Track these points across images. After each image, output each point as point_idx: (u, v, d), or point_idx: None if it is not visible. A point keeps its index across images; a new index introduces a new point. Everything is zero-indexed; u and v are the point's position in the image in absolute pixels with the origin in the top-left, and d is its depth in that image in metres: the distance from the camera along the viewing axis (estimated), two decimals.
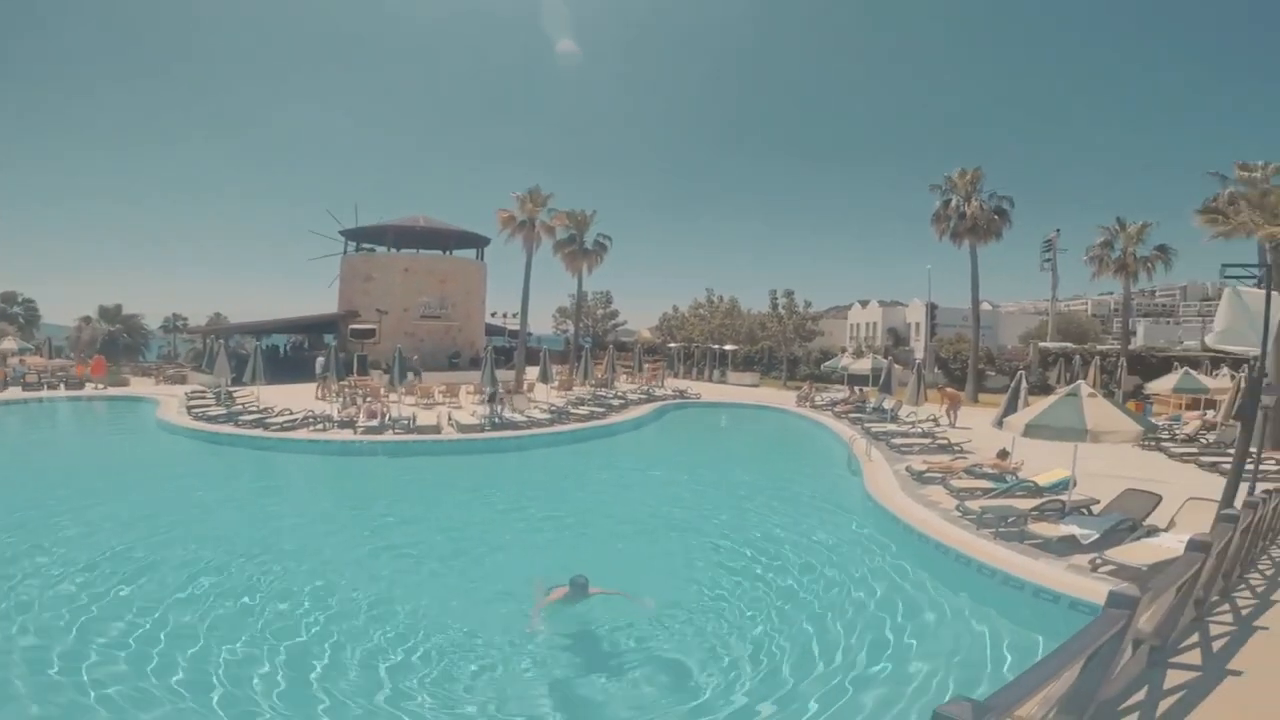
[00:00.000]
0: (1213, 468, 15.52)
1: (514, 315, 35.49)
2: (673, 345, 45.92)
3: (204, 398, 24.12)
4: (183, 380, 31.68)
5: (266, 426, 19.58)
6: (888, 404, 23.75)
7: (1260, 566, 7.97)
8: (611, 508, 14.20)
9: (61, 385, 28.25)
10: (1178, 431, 21.04)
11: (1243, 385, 14.84)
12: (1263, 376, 9.74)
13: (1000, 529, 10.48)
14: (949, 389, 26.61)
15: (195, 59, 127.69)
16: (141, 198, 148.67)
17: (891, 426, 21.21)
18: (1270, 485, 10.82)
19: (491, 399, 21.72)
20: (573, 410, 24.06)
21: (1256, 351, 9.74)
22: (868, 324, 61.97)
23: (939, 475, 14.30)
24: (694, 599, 8.94)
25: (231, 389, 24.30)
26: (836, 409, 26.39)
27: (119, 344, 42.71)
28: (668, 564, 10.64)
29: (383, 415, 20.21)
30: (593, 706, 6.58)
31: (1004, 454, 14.52)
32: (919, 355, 45.91)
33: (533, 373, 28.40)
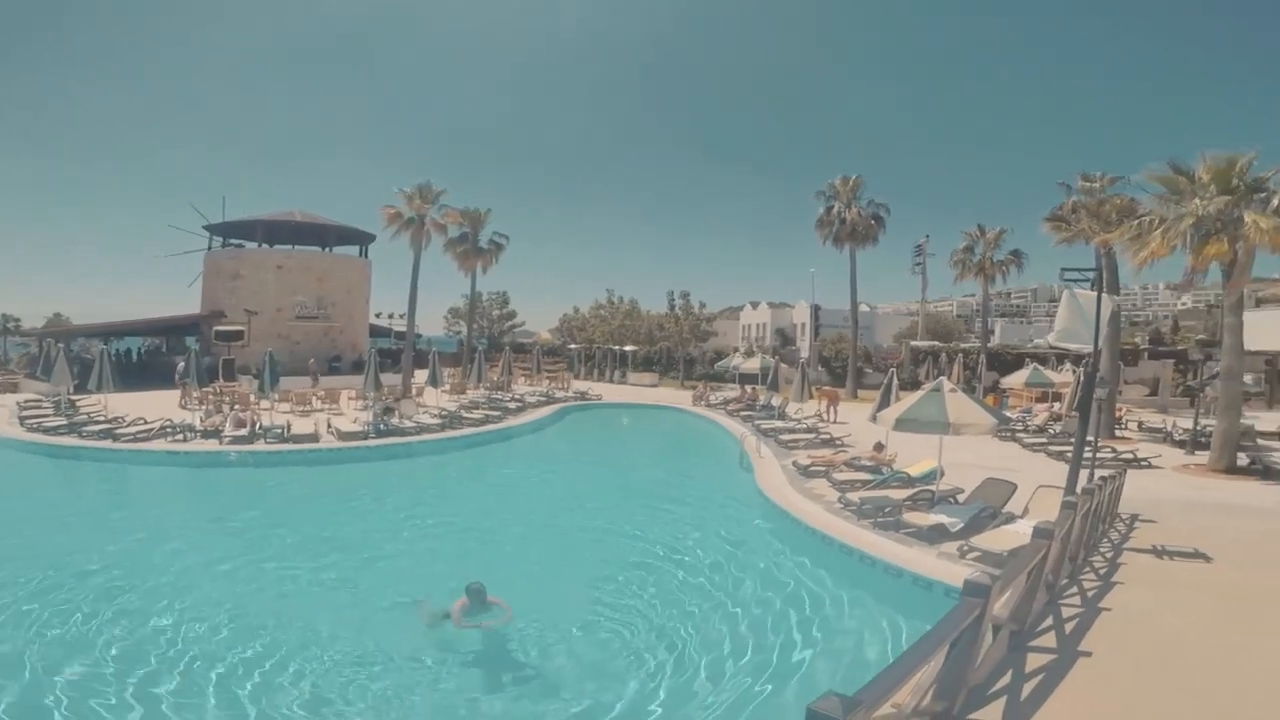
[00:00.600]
0: (1060, 456, 17.17)
1: (402, 316, 33.75)
2: (573, 346, 45.53)
3: (40, 407, 21.38)
4: (14, 389, 28.06)
5: (116, 438, 17.49)
6: (775, 401, 24.66)
7: (1102, 549, 8.84)
8: (509, 512, 13.81)
9: None
10: (1029, 423, 23.23)
11: (1081, 380, 16.53)
12: (1096, 372, 10.74)
13: (878, 519, 11.03)
14: (826, 387, 28.00)
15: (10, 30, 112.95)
16: None
17: (779, 423, 22.04)
18: (1107, 472, 12.12)
19: (387, 411, 20.61)
20: (466, 415, 23.20)
21: (1090, 349, 10.72)
22: (758, 325, 64.23)
23: (823, 469, 14.95)
24: (596, 598, 8.82)
25: (74, 397, 21.69)
26: (729, 407, 27.13)
27: None
28: (569, 565, 10.47)
29: (252, 424, 18.62)
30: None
31: (879, 447, 15.39)
32: (804, 354, 48.20)
33: (421, 376, 27.15)
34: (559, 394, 31.49)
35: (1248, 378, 29.32)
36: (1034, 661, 4.51)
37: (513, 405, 26.35)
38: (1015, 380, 26.34)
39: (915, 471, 13.47)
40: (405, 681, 6.72)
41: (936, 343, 44.70)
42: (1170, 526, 10.36)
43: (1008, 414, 24.26)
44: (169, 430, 18.10)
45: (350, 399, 25.58)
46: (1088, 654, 4.65)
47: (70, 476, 15.96)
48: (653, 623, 8.21)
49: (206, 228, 38.92)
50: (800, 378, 22.08)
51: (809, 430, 20.92)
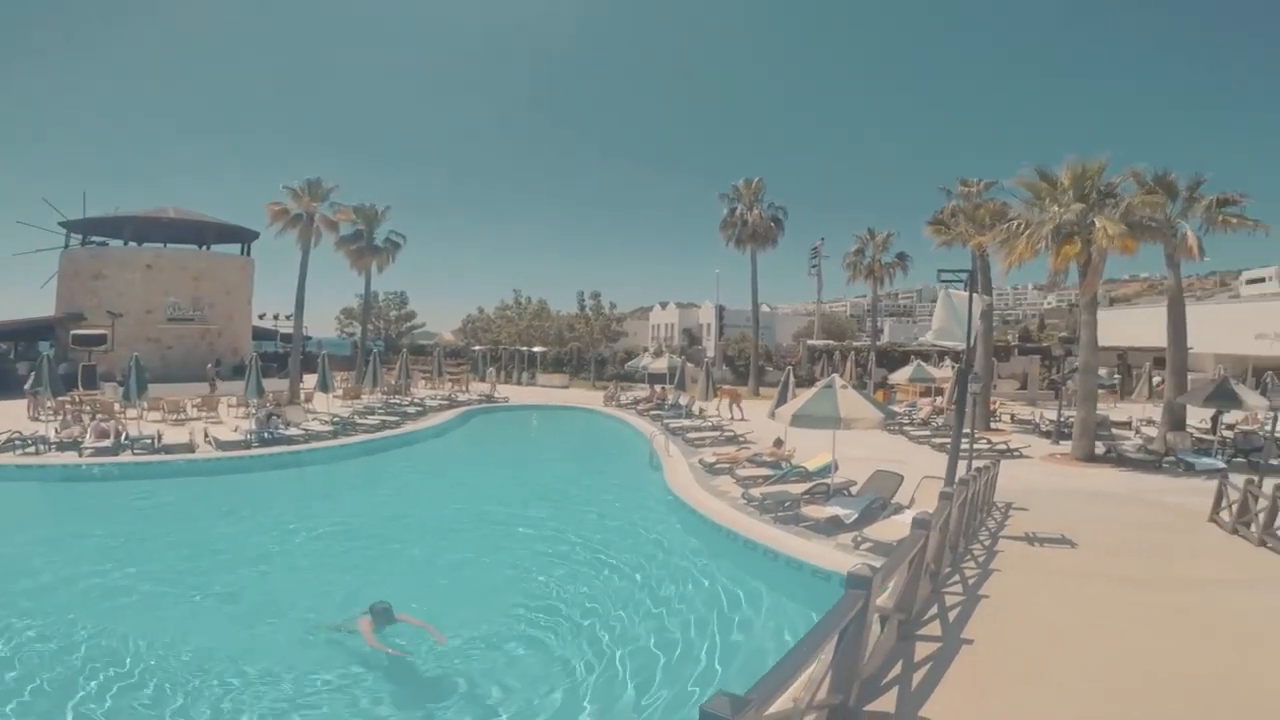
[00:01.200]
0: (943, 448, 18.25)
1: (289, 317, 31.57)
2: (478, 348, 44.26)
3: None
4: None
5: None
6: (683, 400, 25.02)
7: (981, 537, 9.41)
8: (411, 518, 13.27)
9: None
10: (915, 416, 24.74)
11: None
12: (970, 368, 11.46)
13: (779, 513, 11.33)
14: (727, 386, 28.70)
15: None
16: None
17: (686, 422, 22.35)
18: (982, 462, 13.00)
19: (271, 418, 19.19)
20: (360, 420, 21.99)
21: (964, 346, 11.43)
22: (667, 325, 65.09)
23: (727, 466, 15.26)
24: (507, 602, 8.61)
25: None
26: (639, 407, 27.29)
27: None
28: (478, 570, 10.17)
29: (117, 434, 16.83)
30: None
31: (779, 443, 15.86)
32: (710, 354, 49.27)
33: (311, 381, 25.50)
34: (462, 397, 30.54)
35: (1102, 371, 32.71)
36: (922, 650, 4.67)
37: (412, 410, 25.24)
38: (901, 376, 27.94)
39: (812, 466, 13.95)
40: (302, 700, 6.24)
41: (831, 341, 46.90)
42: (1040, 514, 11.23)
43: (895, 408, 25.79)
44: (17, 443, 16.11)
45: (231, 406, 23.74)
46: (970, 641, 4.87)
47: None
48: (565, 624, 8.09)
49: (63, 224, 35.12)
50: (705, 377, 22.49)
51: (714, 428, 21.33)
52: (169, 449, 16.70)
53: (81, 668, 6.54)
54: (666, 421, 22.70)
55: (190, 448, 17.03)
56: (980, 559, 8.04)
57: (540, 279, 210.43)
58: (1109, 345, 34.00)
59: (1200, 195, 18.83)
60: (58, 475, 14.96)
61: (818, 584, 8.71)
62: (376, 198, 34.42)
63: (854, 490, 12.48)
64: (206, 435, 18.29)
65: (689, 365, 27.50)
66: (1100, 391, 23.65)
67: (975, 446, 14.94)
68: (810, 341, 45.73)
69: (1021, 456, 18.16)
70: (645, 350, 44.30)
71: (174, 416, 21.92)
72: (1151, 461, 17.03)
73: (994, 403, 25.61)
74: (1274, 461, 16.08)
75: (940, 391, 26.58)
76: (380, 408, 24.88)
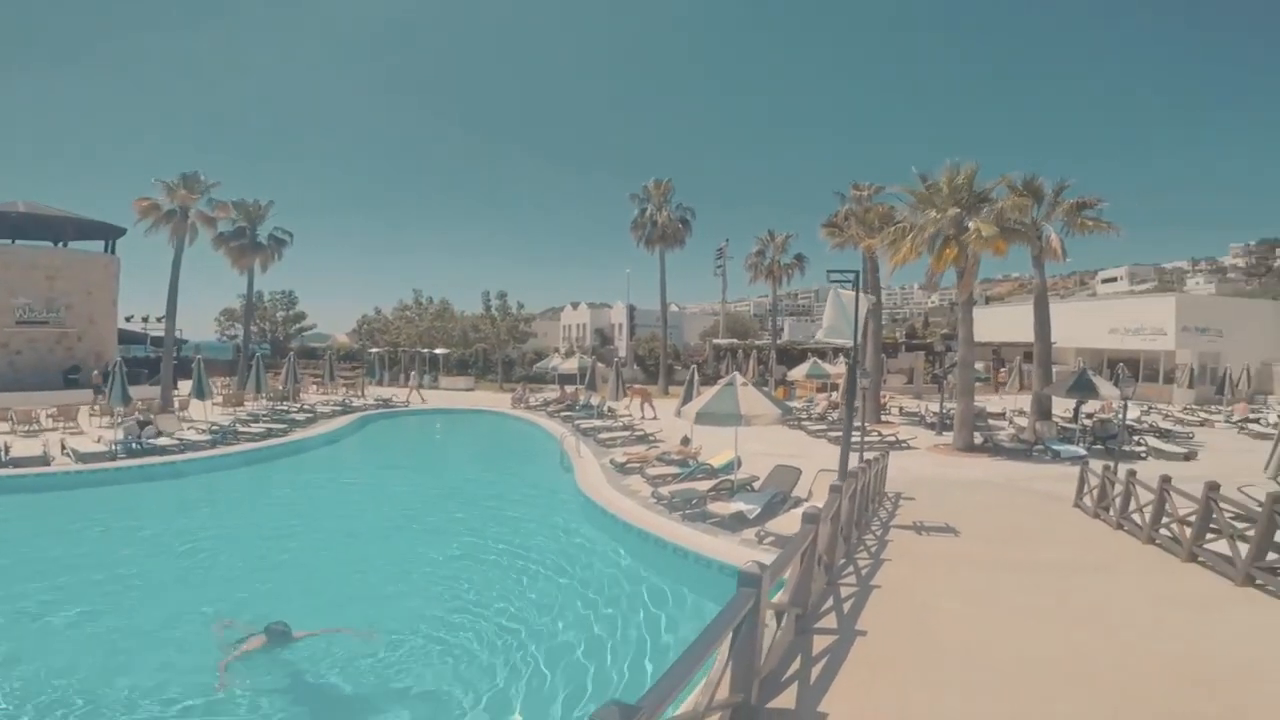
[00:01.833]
0: (837, 441, 19.14)
1: (161, 319, 28.87)
2: (375, 350, 42.18)
3: None
4: None
5: None
6: (594, 401, 24.92)
7: (873, 528, 9.87)
8: (299, 530, 12.51)
9: None
10: (812, 411, 25.82)
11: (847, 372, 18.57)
12: (857, 364, 12.01)
13: (687, 511, 11.49)
14: (637, 385, 28.90)
15: None
16: None
17: (598, 422, 22.28)
18: (873, 454, 13.70)
19: (139, 428, 17.44)
20: (243, 429, 20.44)
21: (852, 343, 11.96)
22: (578, 325, 64.63)
23: (638, 465, 15.31)
24: (414, 610, 8.30)
25: None
26: (550, 408, 26.96)
27: None
28: (380, 580, 9.72)
29: None
30: None
31: (686, 441, 16.09)
32: (622, 354, 49.40)
33: (186, 387, 23.45)
34: (357, 402, 29.04)
35: (979, 365, 35.44)
36: (820, 643, 4.78)
37: (300, 417, 23.70)
38: (799, 373, 29.12)
39: (717, 463, 14.23)
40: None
41: (735, 340, 48.18)
42: (926, 503, 11.95)
43: (794, 404, 26.84)
44: None
45: (92, 415, 21.47)
46: (864, 633, 5.04)
47: None
48: (469, 630, 7.87)
49: None
50: (615, 377, 22.48)
51: (625, 428, 21.39)
52: (18, 462, 15.04)
53: None
54: (577, 422, 22.54)
55: (45, 460, 15.33)
56: (873, 549, 8.41)
57: (444, 279, 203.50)
58: (984, 341, 36.92)
59: (1063, 199, 20.81)
60: None
61: (725, 580, 8.79)
62: (268, 196, 32.12)
63: (756, 485, 12.82)
64: (64, 447, 16.48)
65: (600, 365, 27.43)
66: (977, 385, 25.54)
67: (866, 439, 15.75)
68: (716, 340, 46.79)
69: (909, 448, 19.32)
70: (556, 351, 43.71)
71: (25, 427, 19.62)
72: (1023, 450, 18.58)
73: (884, 397, 27.14)
74: (1127, 448, 17.94)
75: (835, 387, 27.83)
76: (265, 415, 23.22)
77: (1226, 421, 25.62)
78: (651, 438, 19.91)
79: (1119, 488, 10.34)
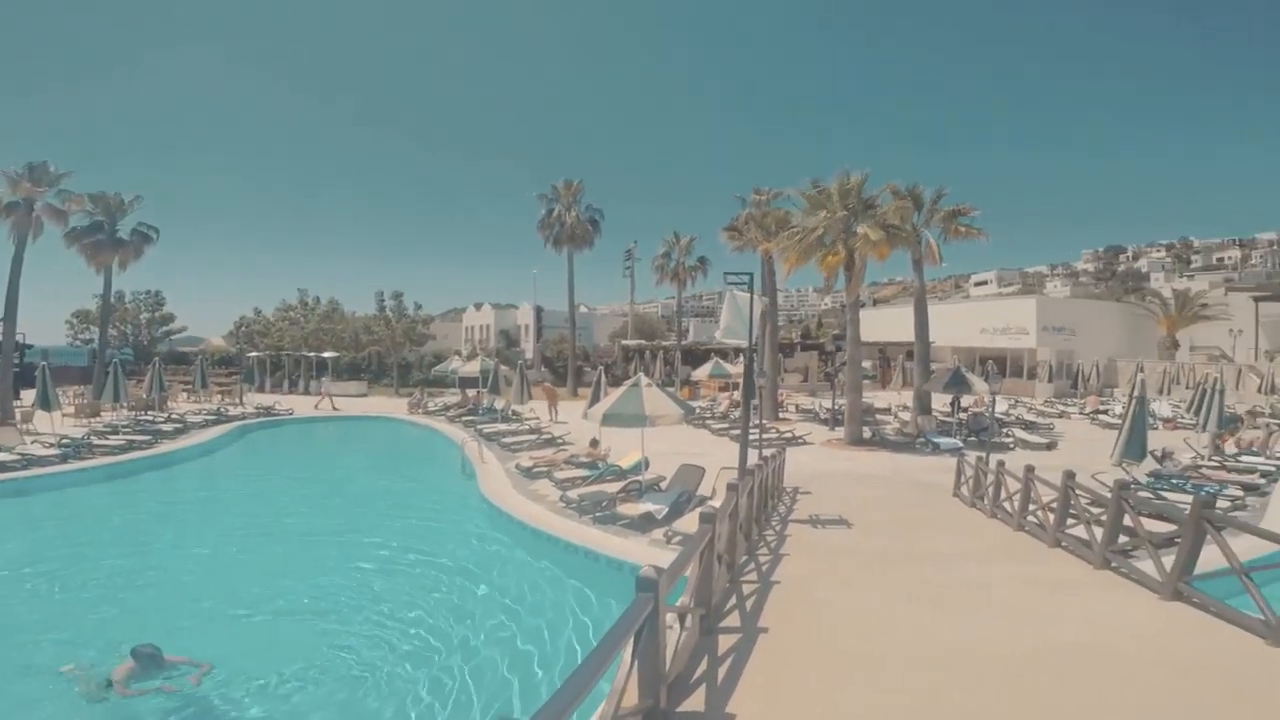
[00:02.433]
0: (739, 439, 19.75)
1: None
2: (254, 354, 39.11)
3: None
4: None
5: None
6: (498, 404, 24.31)
7: (773, 523, 10.13)
8: (166, 547, 11.50)
9: None
10: (715, 410, 26.44)
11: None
12: (753, 364, 12.32)
13: (596, 514, 11.39)
14: (545, 385, 28.52)
15: None
16: None
17: (502, 426, 21.75)
18: (771, 451, 14.14)
19: None
20: (100, 441, 18.36)
21: (747, 344, 12.25)
22: (482, 326, 62.96)
23: (545, 469, 15.05)
24: (307, 631, 7.77)
25: None
26: (450, 413, 26.03)
27: None
28: (262, 600, 8.98)
29: None
30: None
31: (594, 443, 16.00)
32: (529, 355, 48.57)
33: (30, 397, 20.78)
34: (234, 410, 26.88)
35: (866, 364, 37.60)
36: (725, 643, 4.80)
37: (168, 427, 21.61)
38: (702, 373, 29.79)
39: (625, 464, 14.24)
40: None
41: (643, 341, 48.65)
42: (821, 497, 12.45)
43: (698, 404, 27.39)
44: None
45: None
46: (766, 630, 5.11)
47: None
48: (374, 651, 7.41)
49: None
50: (520, 379, 22.00)
51: (532, 431, 20.99)
52: None
53: None
54: (480, 427, 21.90)
55: None
56: (773, 544, 8.63)
57: (336, 280, 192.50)
58: (872, 341, 39.26)
59: (940, 207, 22.54)
60: None
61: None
62: (138, 191, 28.74)
63: (664, 486, 12.91)
64: None
65: (504, 368, 26.79)
66: (865, 382, 27.09)
67: (764, 436, 16.27)
68: (624, 341, 47.02)
69: (805, 443, 20.15)
70: (457, 354, 42.21)
71: None
72: (907, 443, 19.84)
73: (781, 395, 28.23)
74: (997, 440, 19.54)
75: (737, 386, 28.61)
76: (126, 426, 20.98)
77: (1080, 413, 28.51)
78: (560, 441, 19.65)
79: (991, 478, 11.12)
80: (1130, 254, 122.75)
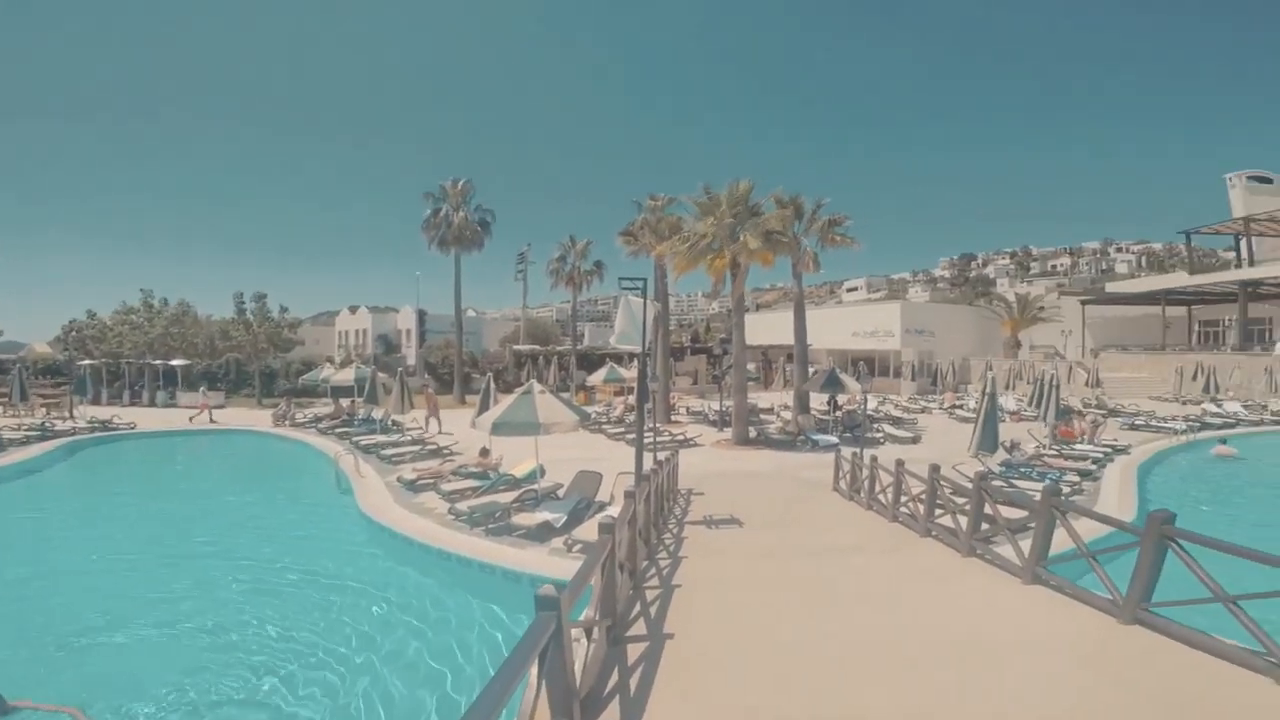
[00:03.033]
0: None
1: None
2: (87, 362, 34.55)
3: None
4: None
5: None
6: (376, 414, 22.95)
7: (670, 526, 10.19)
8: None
9: None
10: (611, 415, 26.45)
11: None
12: (646, 368, 12.43)
13: (490, 525, 11.00)
14: (428, 392, 27.34)
15: None
16: None
17: (381, 437, 20.52)
18: (665, 454, 14.30)
19: None
20: None
21: (640, 349, 12.35)
22: (357, 331, 59.45)
23: (431, 481, 14.34)
24: (161, 669, 6.92)
25: None
26: (322, 425, 24.25)
27: None
28: (107, 633, 7.90)
29: None
30: None
31: (485, 452, 15.45)
32: (411, 361, 46.36)
33: None
34: (63, 425, 23.63)
35: (751, 366, 39.20)
36: (634, 653, 4.71)
37: None
38: (598, 378, 29.76)
39: (519, 472, 13.85)
40: None
41: (537, 346, 47.91)
42: (713, 497, 12.71)
43: (593, 409, 27.31)
44: None
45: None
46: (671, 636, 5.07)
47: None
48: (245, 687, 6.70)
49: None
50: (400, 387, 20.83)
51: (415, 442, 19.98)
52: None
53: None
54: (356, 439, 20.54)
55: None
56: (671, 547, 8.67)
57: (186, 281, 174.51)
58: (755, 344, 40.98)
59: (819, 217, 23.95)
60: None
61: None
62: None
63: (561, 493, 12.69)
64: None
65: (382, 375, 25.33)
66: (750, 384, 28.20)
67: (658, 440, 16.47)
68: (517, 347, 46.01)
69: (696, 445, 20.63)
70: (329, 361, 39.42)
71: None
72: (789, 441, 20.80)
73: (673, 398, 28.75)
74: (869, 435, 20.92)
75: (632, 390, 28.80)
76: None
77: (940, 408, 31.26)
78: (446, 451, 18.84)
79: (866, 472, 11.88)
80: (980, 261, 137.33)
